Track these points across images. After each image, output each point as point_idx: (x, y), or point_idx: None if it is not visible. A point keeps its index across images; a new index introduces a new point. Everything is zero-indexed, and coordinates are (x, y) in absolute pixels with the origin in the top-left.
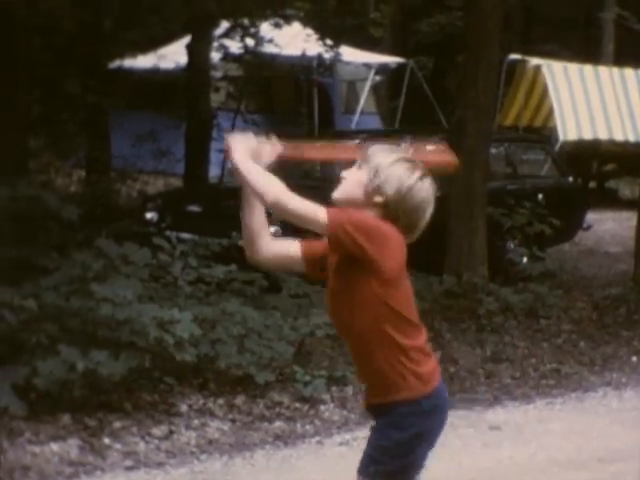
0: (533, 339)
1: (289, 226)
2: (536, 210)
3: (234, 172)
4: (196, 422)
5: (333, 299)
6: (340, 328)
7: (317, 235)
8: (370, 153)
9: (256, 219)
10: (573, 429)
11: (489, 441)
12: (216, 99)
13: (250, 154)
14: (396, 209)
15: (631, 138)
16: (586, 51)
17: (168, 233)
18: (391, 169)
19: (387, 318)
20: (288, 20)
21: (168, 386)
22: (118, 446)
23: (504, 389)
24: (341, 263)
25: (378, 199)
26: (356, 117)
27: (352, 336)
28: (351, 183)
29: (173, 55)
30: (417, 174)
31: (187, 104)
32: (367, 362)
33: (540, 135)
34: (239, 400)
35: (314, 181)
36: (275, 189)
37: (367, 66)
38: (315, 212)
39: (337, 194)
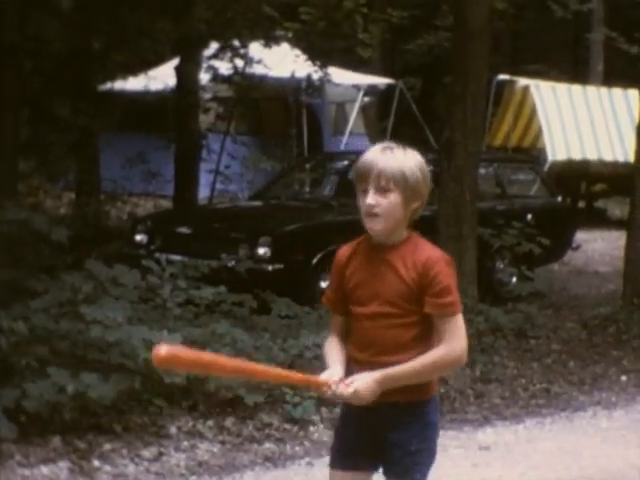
0: (522, 359)
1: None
2: (525, 230)
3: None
4: (185, 444)
5: (382, 319)
6: (380, 339)
7: None
8: (379, 170)
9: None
10: (563, 449)
11: (479, 461)
12: (205, 120)
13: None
14: (427, 197)
15: (620, 158)
16: (574, 71)
17: (158, 255)
18: (415, 174)
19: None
20: (277, 41)
21: (158, 408)
22: (108, 468)
23: (494, 409)
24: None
25: (416, 204)
26: (345, 138)
27: (398, 343)
28: (390, 209)
29: (163, 77)
30: (413, 155)
31: (176, 125)
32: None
33: (529, 155)
34: (229, 422)
35: (302, 202)
36: (448, 357)
37: (356, 87)
38: (463, 330)
39: (379, 227)
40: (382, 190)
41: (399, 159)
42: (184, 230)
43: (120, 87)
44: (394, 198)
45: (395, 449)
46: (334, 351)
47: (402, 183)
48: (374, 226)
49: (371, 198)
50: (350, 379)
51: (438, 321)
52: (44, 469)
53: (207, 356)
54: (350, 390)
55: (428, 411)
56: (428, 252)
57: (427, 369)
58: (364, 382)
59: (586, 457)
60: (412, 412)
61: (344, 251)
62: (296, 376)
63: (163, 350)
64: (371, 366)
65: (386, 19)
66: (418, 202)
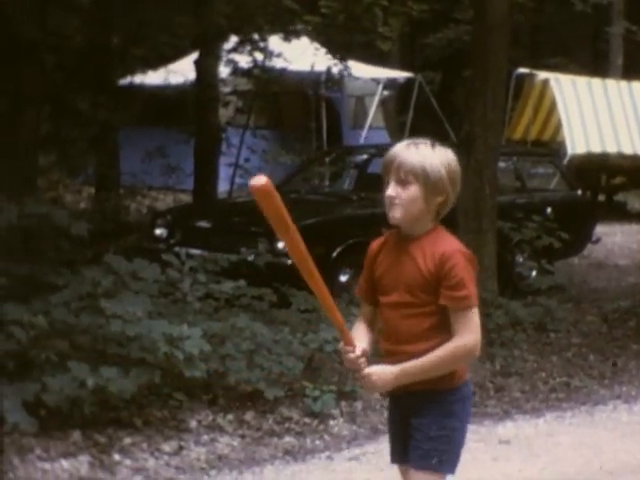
0: (542, 353)
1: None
2: (545, 223)
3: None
4: (206, 438)
5: (401, 308)
6: (399, 327)
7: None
8: (402, 161)
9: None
10: (583, 443)
11: (499, 455)
12: (225, 114)
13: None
14: (453, 194)
15: (639, 151)
16: (594, 65)
17: (177, 249)
18: (437, 170)
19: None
20: (297, 34)
21: (178, 402)
22: (128, 462)
23: (514, 403)
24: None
25: (440, 199)
26: (364, 132)
27: (416, 332)
28: (409, 201)
29: (183, 70)
30: (442, 152)
31: (196, 119)
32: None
33: (548, 149)
34: (248, 416)
35: (321, 195)
36: (460, 350)
37: (375, 81)
38: (476, 324)
39: (398, 215)
40: (402, 182)
41: (422, 154)
42: (204, 224)
43: (140, 81)
44: (414, 191)
45: (416, 433)
46: (361, 333)
47: (422, 177)
48: (394, 214)
49: (391, 189)
50: (372, 367)
51: (452, 314)
52: (64, 463)
53: (290, 221)
54: (368, 370)
55: (451, 400)
56: (446, 245)
57: (440, 362)
58: (382, 371)
59: (606, 451)
60: (433, 399)
61: (376, 243)
62: (339, 317)
63: (263, 180)
64: (393, 354)
65: (406, 12)
66: (442, 197)
